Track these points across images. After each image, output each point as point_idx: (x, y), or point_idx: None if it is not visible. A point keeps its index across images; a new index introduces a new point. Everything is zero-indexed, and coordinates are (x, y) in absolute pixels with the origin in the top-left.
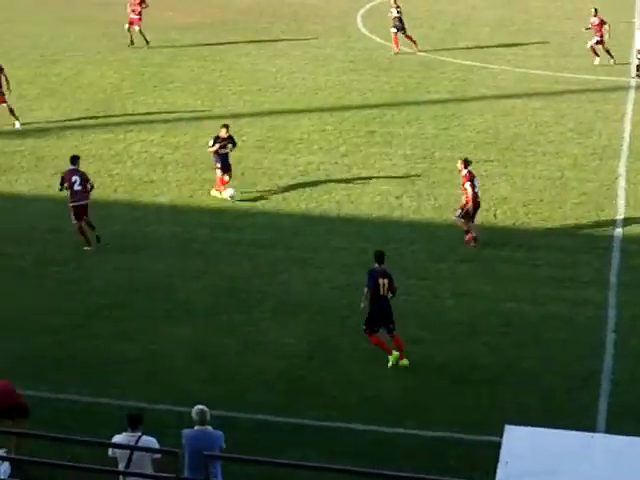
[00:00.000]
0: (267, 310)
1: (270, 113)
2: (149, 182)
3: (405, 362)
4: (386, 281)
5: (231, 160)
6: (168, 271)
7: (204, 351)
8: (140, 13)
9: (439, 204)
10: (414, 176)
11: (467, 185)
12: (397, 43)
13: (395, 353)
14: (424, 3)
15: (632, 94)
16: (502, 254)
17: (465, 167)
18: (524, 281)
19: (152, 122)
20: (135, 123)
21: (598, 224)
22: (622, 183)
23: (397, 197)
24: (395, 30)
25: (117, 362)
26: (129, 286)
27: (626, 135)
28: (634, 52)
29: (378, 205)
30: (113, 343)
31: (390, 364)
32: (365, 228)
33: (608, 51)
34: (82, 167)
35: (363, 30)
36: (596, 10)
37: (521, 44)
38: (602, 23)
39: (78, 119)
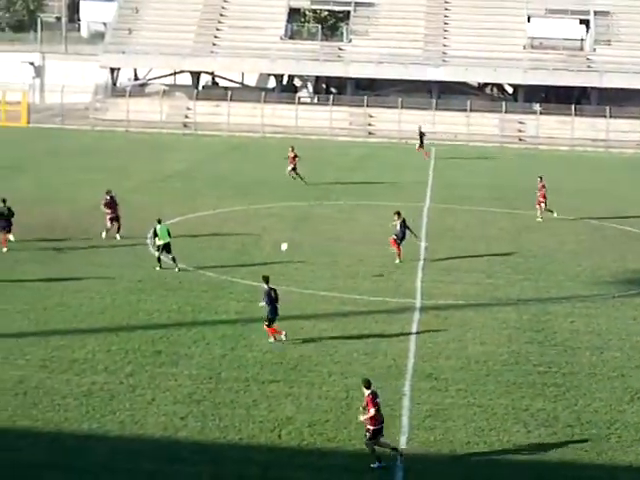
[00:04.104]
0: None
1: (55, 332)
2: None
3: None
4: None
5: None
6: None
7: None
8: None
9: (224, 425)
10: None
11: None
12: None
13: None
14: (215, 225)
15: (417, 315)
16: (284, 474)
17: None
18: None
19: None
20: None
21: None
22: (406, 403)
23: (182, 418)
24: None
25: None
26: None
27: (410, 355)
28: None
29: (163, 425)
30: None
31: None
32: (149, 449)
33: None
34: None
35: (152, 250)
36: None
37: (309, 265)
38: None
39: None
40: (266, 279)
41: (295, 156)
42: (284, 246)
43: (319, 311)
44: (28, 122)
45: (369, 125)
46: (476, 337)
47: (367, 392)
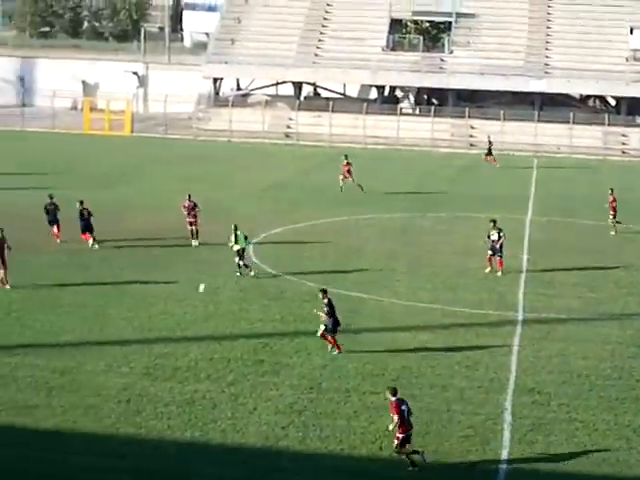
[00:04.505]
0: None
1: (159, 340)
2: (33, 407)
3: None
4: None
5: None
6: None
7: None
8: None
9: (325, 435)
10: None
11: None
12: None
13: None
14: (317, 235)
15: (518, 329)
16: None
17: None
18: None
19: (39, 346)
20: (22, 347)
21: (484, 458)
22: (508, 417)
23: (283, 427)
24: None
25: None
26: None
27: (512, 369)
28: None
29: (264, 435)
30: None
31: None
32: (250, 458)
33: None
34: None
35: (254, 258)
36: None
37: (411, 276)
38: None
39: None
40: (324, 291)
41: (347, 163)
42: (202, 287)
43: (420, 323)
44: (132, 131)
45: (471, 137)
46: (578, 351)
47: (393, 399)
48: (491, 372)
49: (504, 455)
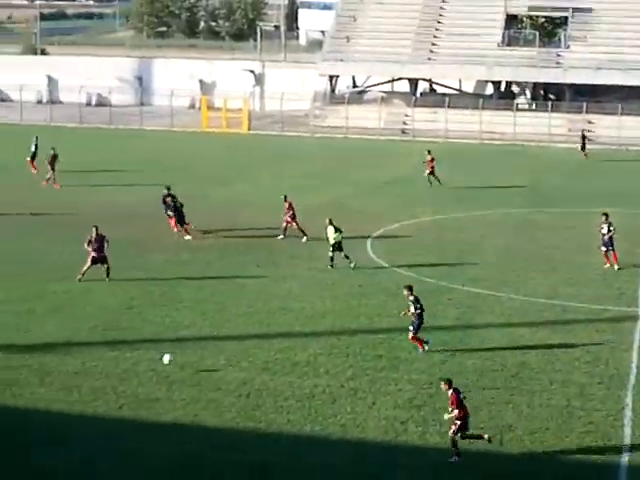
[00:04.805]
0: None
1: (278, 335)
2: (154, 400)
3: None
4: None
5: None
6: None
7: None
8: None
9: (445, 430)
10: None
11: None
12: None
13: None
14: (433, 231)
15: (639, 324)
16: None
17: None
18: None
19: (160, 341)
20: (143, 341)
21: (604, 454)
22: (629, 413)
23: (402, 422)
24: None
25: None
26: None
27: (633, 365)
28: None
29: (383, 429)
30: None
31: None
32: (370, 452)
33: None
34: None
35: (372, 254)
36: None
37: (529, 272)
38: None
39: (86, 336)
40: (409, 288)
41: (432, 159)
42: (166, 359)
43: (540, 319)
44: (249, 129)
45: (588, 131)
46: None
47: (450, 391)
48: (611, 368)
49: (625, 451)
